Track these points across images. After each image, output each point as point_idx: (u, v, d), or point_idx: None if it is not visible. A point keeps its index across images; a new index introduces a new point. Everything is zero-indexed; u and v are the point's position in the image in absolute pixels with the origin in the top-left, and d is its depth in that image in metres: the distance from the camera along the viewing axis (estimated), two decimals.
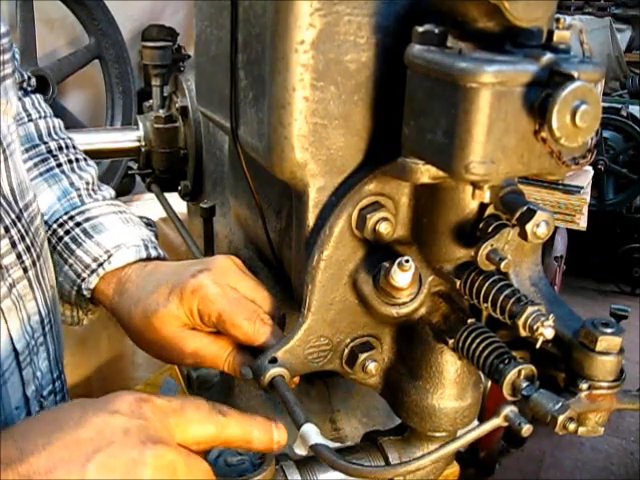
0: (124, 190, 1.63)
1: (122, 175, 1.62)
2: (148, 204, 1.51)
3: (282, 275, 0.77)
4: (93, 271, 0.70)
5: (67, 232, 0.71)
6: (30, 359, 0.64)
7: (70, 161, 0.77)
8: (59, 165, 0.76)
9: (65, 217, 0.72)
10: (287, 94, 0.54)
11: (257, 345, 0.63)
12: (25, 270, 0.62)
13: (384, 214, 0.57)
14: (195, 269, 0.66)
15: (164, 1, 1.81)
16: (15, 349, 0.61)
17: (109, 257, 0.70)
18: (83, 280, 0.70)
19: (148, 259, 0.72)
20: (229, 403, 0.92)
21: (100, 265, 0.70)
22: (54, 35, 1.58)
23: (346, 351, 0.63)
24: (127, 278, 0.69)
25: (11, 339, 0.61)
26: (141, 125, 1.18)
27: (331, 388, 0.90)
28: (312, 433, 0.53)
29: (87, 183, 0.76)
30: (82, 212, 0.73)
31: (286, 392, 0.59)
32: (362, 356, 0.62)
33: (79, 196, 0.74)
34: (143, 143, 1.18)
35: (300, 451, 0.54)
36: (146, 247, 0.72)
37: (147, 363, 1.51)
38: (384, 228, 0.57)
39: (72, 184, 0.75)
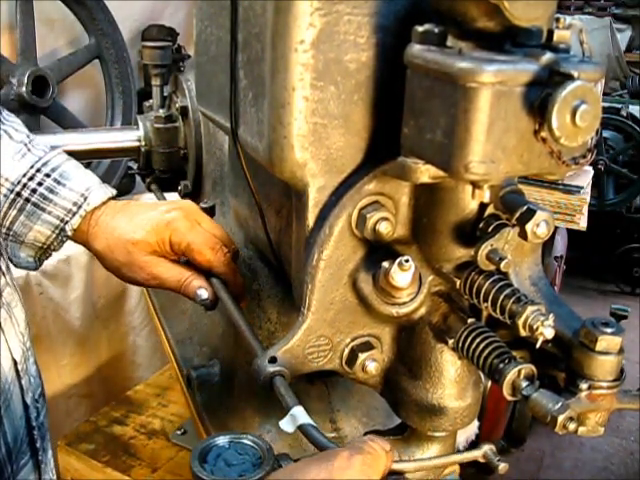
0: (124, 190, 1.62)
1: (122, 175, 1.62)
2: None
3: (282, 275, 0.77)
4: (74, 213, 0.79)
5: (40, 183, 0.78)
6: (26, 367, 0.64)
7: None
8: None
9: (32, 170, 0.79)
10: (287, 94, 0.54)
11: (215, 271, 0.78)
12: (4, 275, 0.63)
13: (384, 214, 0.57)
14: (169, 207, 0.81)
15: (164, 1, 1.80)
16: (14, 359, 0.62)
17: (85, 199, 0.79)
18: (66, 223, 0.79)
19: (113, 198, 0.83)
20: (229, 403, 0.92)
21: (80, 207, 0.79)
22: (54, 35, 1.57)
23: (346, 351, 0.63)
24: (102, 213, 0.80)
25: (10, 351, 0.61)
26: (141, 125, 1.18)
27: (331, 388, 0.90)
28: (301, 415, 0.57)
29: (27, 136, 0.82)
30: (46, 164, 0.80)
31: (285, 391, 0.59)
32: (362, 356, 0.62)
33: (29, 150, 0.80)
34: (143, 143, 1.17)
35: (287, 429, 0.57)
36: (106, 187, 0.83)
37: (147, 363, 1.51)
38: (384, 228, 0.57)
39: (12, 137, 0.80)
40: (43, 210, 0.78)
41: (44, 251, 0.81)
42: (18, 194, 0.78)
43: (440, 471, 0.68)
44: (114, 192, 0.83)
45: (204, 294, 0.77)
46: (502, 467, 0.55)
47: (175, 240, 0.77)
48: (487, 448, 0.56)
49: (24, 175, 0.78)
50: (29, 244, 0.80)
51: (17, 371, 0.64)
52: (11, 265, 0.79)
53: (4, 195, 0.78)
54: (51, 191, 0.78)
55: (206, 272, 0.79)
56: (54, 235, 0.80)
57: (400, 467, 0.54)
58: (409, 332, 0.62)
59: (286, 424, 0.58)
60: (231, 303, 0.75)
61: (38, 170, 0.79)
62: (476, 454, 0.57)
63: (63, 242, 0.81)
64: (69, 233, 0.79)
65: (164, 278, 0.78)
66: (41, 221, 0.79)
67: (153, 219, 0.78)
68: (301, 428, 0.56)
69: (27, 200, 0.78)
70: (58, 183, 0.79)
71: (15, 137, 0.80)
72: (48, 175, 0.79)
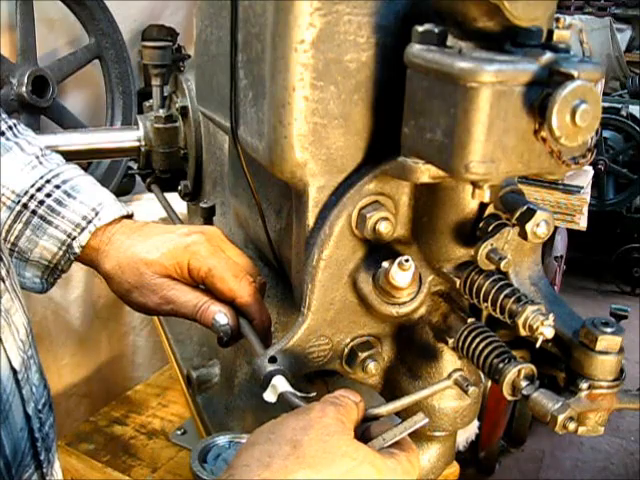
0: (124, 190, 1.62)
1: (122, 175, 1.62)
2: (148, 204, 1.51)
3: (282, 275, 0.77)
4: (84, 229, 0.73)
5: (48, 195, 0.73)
6: (27, 376, 0.63)
7: (10, 127, 0.78)
8: (2, 134, 0.76)
9: (41, 181, 0.74)
10: (287, 94, 0.54)
11: (238, 302, 0.69)
12: (3, 281, 0.61)
13: (384, 213, 0.57)
14: (189, 230, 0.74)
15: (164, 1, 1.80)
16: (13, 368, 0.60)
17: (97, 214, 0.73)
18: (74, 239, 0.73)
19: (128, 216, 0.77)
20: (229, 403, 0.92)
21: (90, 222, 0.73)
22: (54, 35, 1.57)
23: (346, 350, 0.63)
24: (116, 231, 0.74)
25: (8, 359, 0.60)
26: (141, 125, 1.18)
27: (331, 388, 0.90)
28: (281, 384, 0.58)
29: (40, 149, 0.78)
30: (57, 175, 0.75)
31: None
32: (362, 355, 0.62)
33: (40, 163, 0.76)
34: (143, 143, 1.17)
35: (270, 399, 0.58)
36: (123, 204, 0.77)
37: (147, 363, 1.51)
38: (384, 227, 0.57)
39: (23, 150, 0.76)
40: (50, 224, 0.73)
41: (51, 271, 0.75)
42: (24, 206, 0.73)
43: (440, 471, 0.68)
44: (130, 211, 0.78)
45: (223, 319, 0.68)
46: (472, 390, 0.55)
47: (194, 265, 0.70)
48: (457, 375, 0.56)
49: (32, 186, 0.73)
50: (34, 262, 0.74)
51: (17, 381, 0.62)
52: (13, 269, 0.76)
53: (8, 207, 0.73)
54: (60, 203, 0.73)
55: (228, 304, 0.71)
56: (61, 252, 0.74)
57: (375, 412, 0.55)
58: (409, 332, 0.62)
59: (268, 395, 0.58)
60: (255, 340, 0.67)
61: (48, 181, 0.74)
62: (447, 383, 0.56)
63: (71, 261, 0.75)
64: (77, 251, 0.73)
65: (179, 302, 0.70)
66: (47, 236, 0.73)
67: (170, 241, 0.72)
68: (281, 396, 0.57)
69: (33, 213, 0.73)
70: (68, 196, 0.74)
71: (27, 150, 0.76)
72: (58, 187, 0.74)
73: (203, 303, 0.70)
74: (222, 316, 0.68)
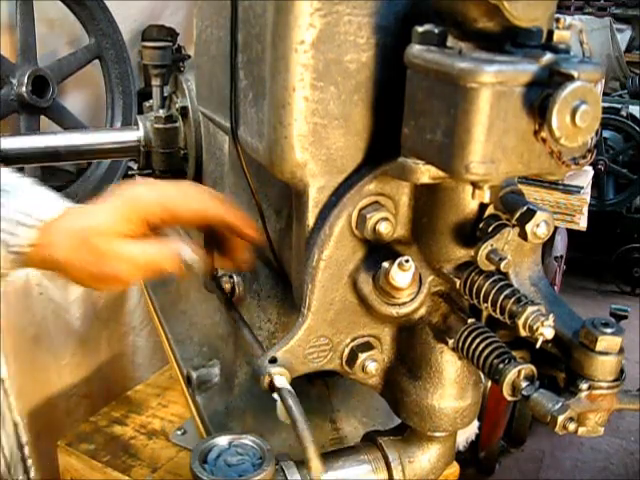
0: None
1: (122, 175, 1.62)
2: None
3: (282, 275, 0.77)
4: (25, 225, 0.68)
5: None
6: (9, 385, 0.63)
7: None
8: None
9: None
10: (287, 94, 0.54)
11: (211, 217, 0.66)
12: None
13: (384, 214, 0.57)
14: (121, 192, 0.69)
15: (164, 1, 1.80)
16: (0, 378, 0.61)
17: (38, 210, 0.69)
18: (15, 236, 0.68)
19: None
20: (229, 403, 0.92)
21: (32, 218, 0.68)
22: (54, 35, 1.57)
23: (346, 351, 0.63)
24: (60, 222, 0.70)
25: None
26: (141, 125, 1.18)
27: (331, 388, 0.90)
28: (282, 381, 0.59)
29: None
30: None
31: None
32: (362, 356, 0.62)
33: None
34: (143, 143, 1.18)
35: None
36: (65, 200, 0.73)
37: (147, 363, 1.51)
38: (384, 228, 0.57)
39: None
40: None
41: None
42: None
43: (440, 471, 0.68)
44: (76, 206, 0.73)
45: (188, 251, 0.65)
46: None
47: (142, 208, 0.65)
48: None
49: None
50: None
51: (5, 390, 0.63)
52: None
53: None
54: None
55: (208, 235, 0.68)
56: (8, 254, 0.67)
57: None
58: (409, 332, 0.62)
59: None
60: (254, 340, 0.69)
61: None
62: None
63: (15, 263, 0.69)
64: (17, 249, 0.67)
65: (145, 260, 0.66)
66: None
67: (109, 202, 0.67)
68: (279, 392, 0.58)
69: None
70: (6, 195, 0.68)
71: None
72: None
73: (169, 251, 0.67)
74: (192, 255, 0.66)
